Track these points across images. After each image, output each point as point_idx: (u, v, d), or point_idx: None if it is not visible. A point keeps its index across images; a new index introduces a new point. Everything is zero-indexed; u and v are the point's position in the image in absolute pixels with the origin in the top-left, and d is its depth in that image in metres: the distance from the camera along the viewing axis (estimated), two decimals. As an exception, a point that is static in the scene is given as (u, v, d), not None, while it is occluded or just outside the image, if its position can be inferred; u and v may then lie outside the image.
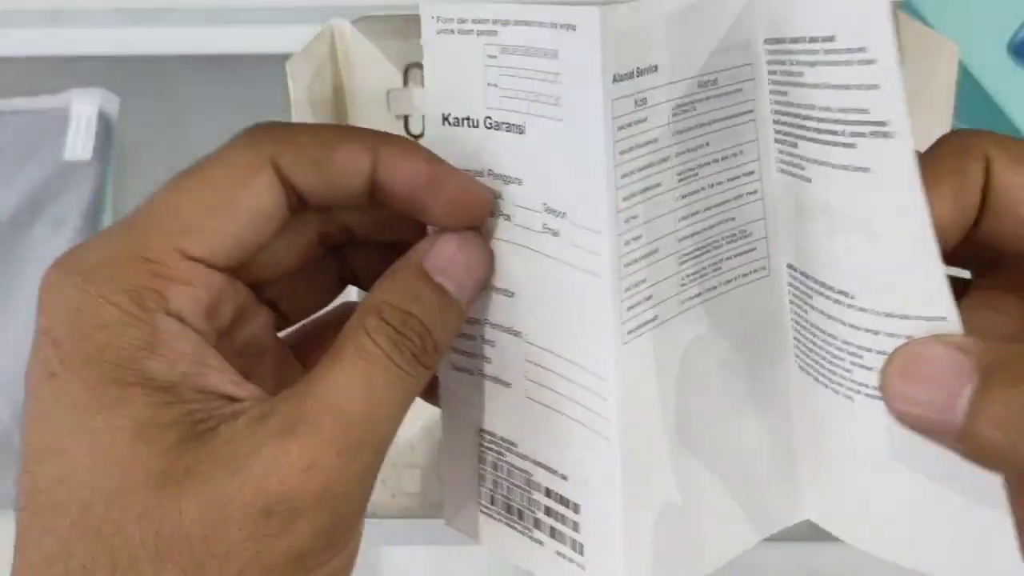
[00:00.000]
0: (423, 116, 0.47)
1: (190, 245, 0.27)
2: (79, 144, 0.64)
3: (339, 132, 0.29)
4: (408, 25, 0.46)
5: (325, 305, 0.34)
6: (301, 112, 0.45)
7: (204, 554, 0.24)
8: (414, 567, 0.56)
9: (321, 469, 0.25)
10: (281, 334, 0.32)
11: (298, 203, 0.29)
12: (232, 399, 0.27)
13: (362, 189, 0.28)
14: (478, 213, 0.30)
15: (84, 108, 0.65)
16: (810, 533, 0.53)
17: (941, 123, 0.46)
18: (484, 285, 0.30)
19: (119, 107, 0.66)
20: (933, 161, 0.26)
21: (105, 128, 0.65)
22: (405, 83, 0.47)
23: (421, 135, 0.48)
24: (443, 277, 0.28)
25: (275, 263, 0.30)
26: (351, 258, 0.33)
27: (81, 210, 0.62)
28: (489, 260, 0.30)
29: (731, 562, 0.56)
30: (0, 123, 0.65)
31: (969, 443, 0.22)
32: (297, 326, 0.33)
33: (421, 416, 0.54)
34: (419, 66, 0.47)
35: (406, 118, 0.48)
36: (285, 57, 0.44)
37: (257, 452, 0.25)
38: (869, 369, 0.26)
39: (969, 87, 0.53)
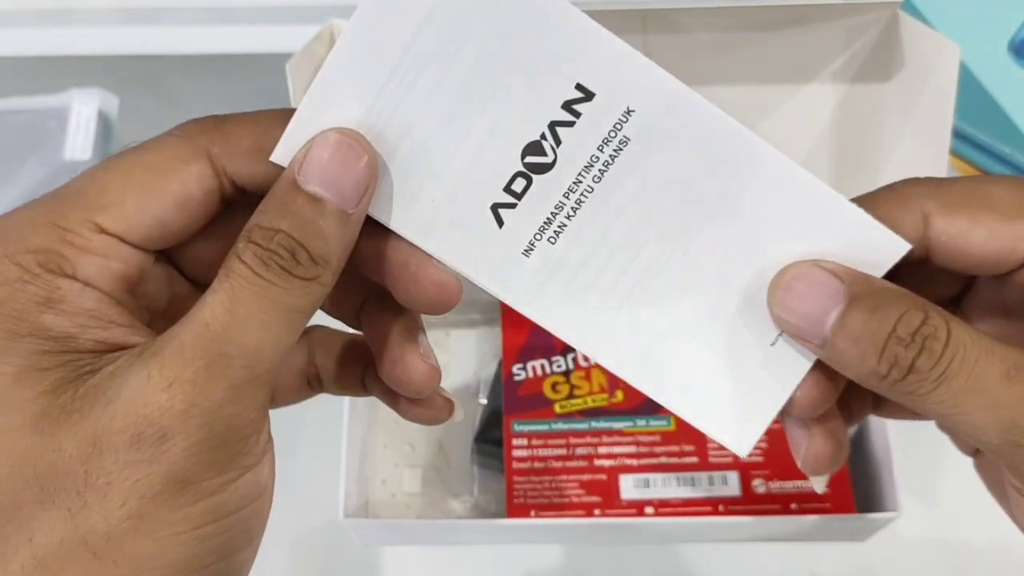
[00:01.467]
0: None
1: (106, 220, 0.27)
2: (78, 143, 0.64)
3: (276, 117, 0.28)
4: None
5: None
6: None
7: (86, 489, 0.24)
8: (414, 567, 0.56)
9: (183, 384, 0.25)
10: None
11: (238, 192, 0.29)
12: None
13: None
14: None
15: (83, 108, 0.65)
16: (810, 533, 0.54)
17: (942, 123, 0.46)
18: (372, 187, 0.28)
19: (118, 107, 0.66)
20: (874, 206, 0.29)
21: (104, 127, 0.65)
22: (404, 83, 0.47)
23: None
24: (317, 185, 0.27)
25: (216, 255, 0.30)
26: None
27: (80, 209, 0.62)
28: (374, 160, 0.28)
29: (729, 560, 0.56)
30: (1, 122, 0.65)
31: (829, 351, 0.28)
32: None
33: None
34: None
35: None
36: (284, 56, 0.44)
37: (127, 380, 0.25)
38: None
39: (970, 86, 0.53)
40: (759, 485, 0.48)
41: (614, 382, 0.50)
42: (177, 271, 0.31)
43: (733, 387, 0.29)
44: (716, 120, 0.28)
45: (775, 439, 0.49)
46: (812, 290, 0.29)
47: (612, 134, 0.27)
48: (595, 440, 0.49)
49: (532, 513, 0.47)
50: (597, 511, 0.47)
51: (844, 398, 0.33)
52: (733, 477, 0.49)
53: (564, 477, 0.48)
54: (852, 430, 0.50)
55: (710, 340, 0.29)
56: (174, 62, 0.66)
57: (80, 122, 0.64)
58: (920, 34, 0.45)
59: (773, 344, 0.29)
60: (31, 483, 0.24)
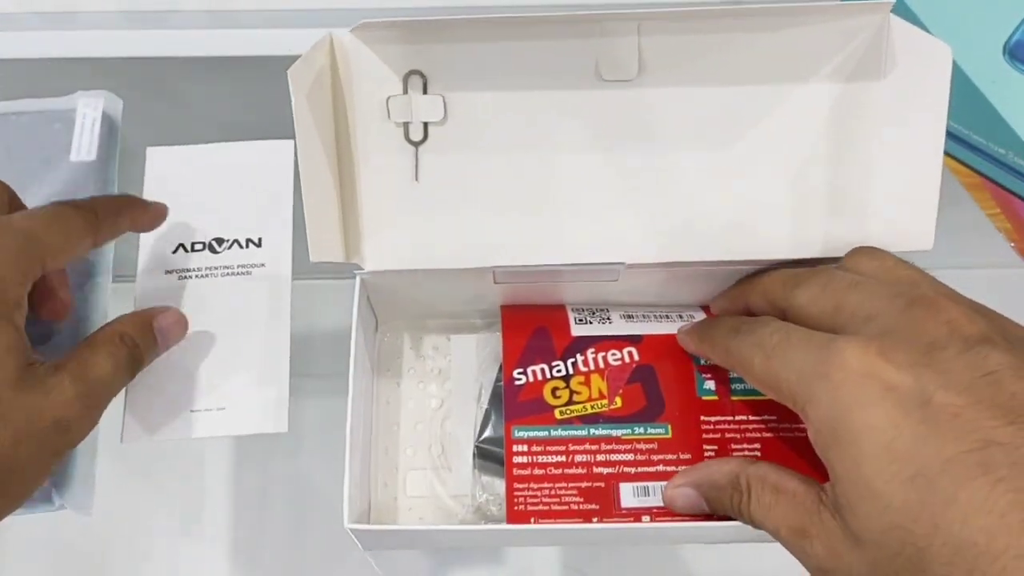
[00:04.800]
0: (424, 124, 0.48)
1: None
2: (84, 145, 0.64)
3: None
4: (408, 32, 0.46)
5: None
6: (303, 117, 0.45)
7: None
8: (415, 571, 0.57)
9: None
10: None
11: None
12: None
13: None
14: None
15: (88, 110, 0.65)
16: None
17: (936, 125, 0.47)
18: (176, 343, 0.51)
19: (123, 109, 0.66)
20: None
21: (109, 130, 0.65)
22: (405, 90, 0.47)
23: (421, 142, 0.48)
24: (160, 334, 0.50)
25: None
26: None
27: (86, 209, 0.63)
28: (184, 330, 0.52)
29: (726, 560, 0.56)
30: (8, 124, 0.65)
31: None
32: None
33: (422, 419, 0.54)
34: (418, 73, 0.47)
35: (406, 125, 0.48)
36: (288, 60, 0.44)
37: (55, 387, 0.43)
38: None
39: (965, 89, 0.54)
40: None
41: (613, 388, 0.50)
42: None
43: None
44: None
45: (769, 447, 0.49)
46: (697, 326, 0.52)
47: None
48: (594, 447, 0.49)
49: (532, 520, 0.47)
50: (595, 519, 0.47)
51: None
52: None
53: (563, 484, 0.48)
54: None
55: None
56: (179, 65, 0.67)
57: (85, 124, 0.65)
58: (912, 36, 0.46)
59: None
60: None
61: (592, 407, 0.50)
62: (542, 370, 0.51)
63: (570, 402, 0.50)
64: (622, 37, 0.46)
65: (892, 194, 0.48)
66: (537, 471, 0.48)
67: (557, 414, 0.50)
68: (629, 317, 0.54)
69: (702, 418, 0.50)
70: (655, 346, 0.52)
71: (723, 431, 0.50)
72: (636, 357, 0.52)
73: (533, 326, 0.53)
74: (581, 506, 0.48)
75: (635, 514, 0.47)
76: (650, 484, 0.48)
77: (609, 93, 0.47)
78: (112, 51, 0.66)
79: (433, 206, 0.49)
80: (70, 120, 0.65)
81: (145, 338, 0.48)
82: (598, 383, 0.51)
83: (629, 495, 0.48)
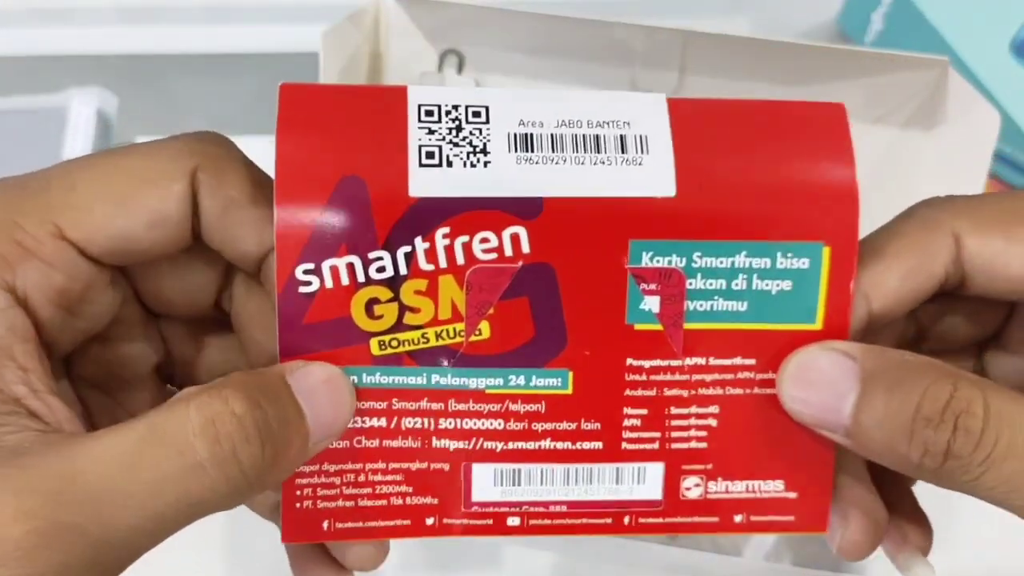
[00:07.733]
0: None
1: (68, 224, 0.24)
2: (78, 143, 0.63)
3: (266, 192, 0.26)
4: (451, 11, 0.46)
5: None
6: (330, 77, 0.43)
7: None
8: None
9: (3, 543, 0.20)
10: None
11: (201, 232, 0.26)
12: (18, 406, 0.23)
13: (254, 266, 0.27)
14: None
15: (83, 107, 0.64)
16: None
17: (975, 186, 0.45)
18: (336, 437, 0.27)
19: (117, 106, 0.65)
20: (899, 235, 0.28)
21: (103, 126, 0.64)
22: (440, 68, 0.47)
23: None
24: (304, 399, 0.25)
25: (181, 289, 0.28)
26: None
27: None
28: (351, 412, 0.28)
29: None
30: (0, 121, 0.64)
31: (856, 440, 0.26)
32: None
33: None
34: (455, 52, 0.47)
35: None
36: (283, 56, 0.44)
37: None
38: None
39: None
40: (692, 486, 0.31)
41: (478, 303, 0.29)
42: (133, 293, 0.28)
43: None
44: None
45: (732, 417, 0.30)
46: (821, 377, 0.26)
47: None
48: (436, 406, 0.30)
49: (324, 525, 0.30)
50: (430, 519, 0.30)
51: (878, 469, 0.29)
52: (654, 472, 0.31)
53: (380, 465, 0.30)
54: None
55: None
56: (174, 61, 0.66)
57: (79, 122, 0.64)
58: (966, 95, 0.45)
59: None
60: None
61: (438, 336, 0.29)
62: (349, 266, 0.28)
63: (399, 326, 0.29)
64: (663, 73, 0.46)
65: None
66: (337, 443, 0.29)
67: (375, 347, 0.29)
68: (527, 148, 0.28)
69: (629, 361, 0.30)
70: (565, 222, 0.28)
71: (661, 385, 0.30)
72: (526, 247, 0.28)
73: (336, 173, 0.27)
74: (409, 500, 0.30)
75: (494, 514, 0.31)
76: (525, 467, 0.30)
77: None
78: (107, 48, 0.65)
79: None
80: (63, 117, 0.64)
81: (282, 404, 0.26)
82: (451, 292, 0.28)
83: (487, 483, 0.30)
